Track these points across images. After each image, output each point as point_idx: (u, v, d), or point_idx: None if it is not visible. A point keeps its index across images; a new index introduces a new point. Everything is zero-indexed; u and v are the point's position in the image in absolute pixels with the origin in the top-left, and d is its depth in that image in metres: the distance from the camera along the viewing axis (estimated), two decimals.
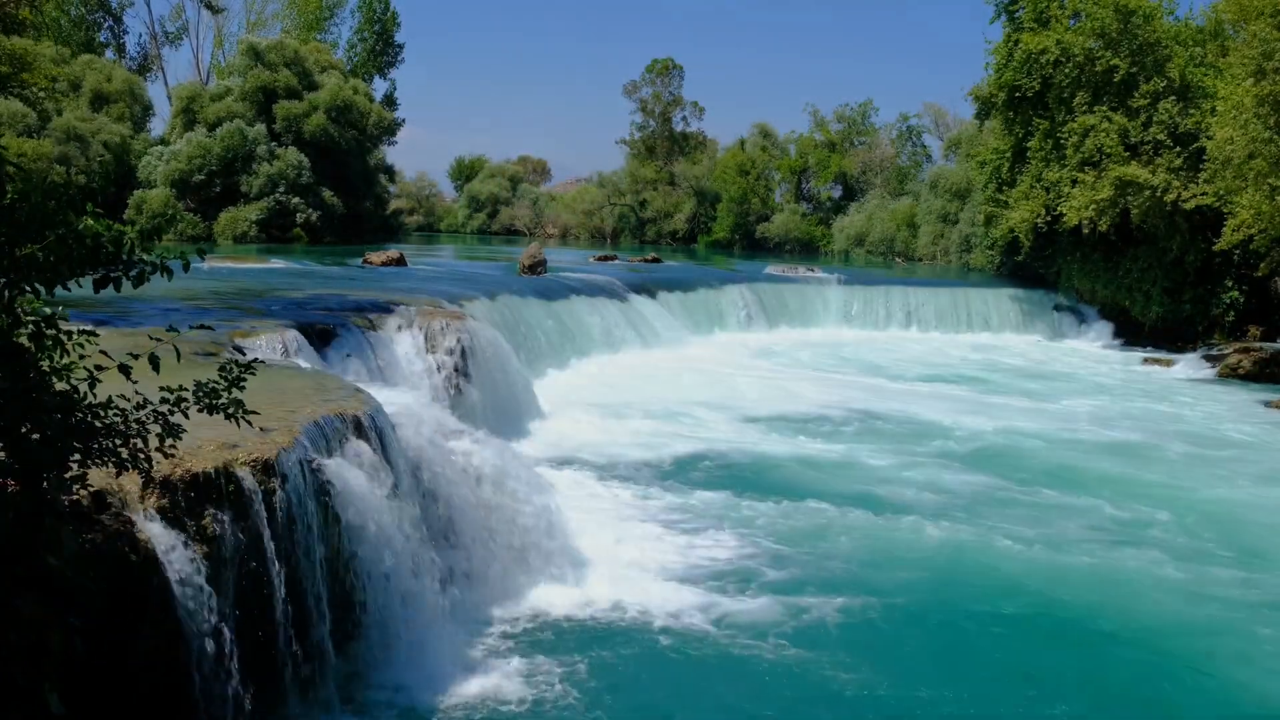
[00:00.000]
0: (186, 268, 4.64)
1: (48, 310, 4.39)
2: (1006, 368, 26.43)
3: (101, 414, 4.67)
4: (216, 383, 5.18)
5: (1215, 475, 15.27)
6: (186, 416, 5.08)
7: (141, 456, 4.85)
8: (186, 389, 5.10)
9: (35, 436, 4.34)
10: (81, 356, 4.59)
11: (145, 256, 4.56)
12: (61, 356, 4.52)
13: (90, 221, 4.34)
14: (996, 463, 15.36)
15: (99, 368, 4.62)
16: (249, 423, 5.29)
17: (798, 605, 9.39)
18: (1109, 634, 9.24)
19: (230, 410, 5.16)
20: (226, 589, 6.16)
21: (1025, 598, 9.99)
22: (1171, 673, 8.57)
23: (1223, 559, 11.27)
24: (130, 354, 4.68)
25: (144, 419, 4.91)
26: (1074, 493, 13.70)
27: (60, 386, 4.52)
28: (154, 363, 4.70)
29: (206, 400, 5.11)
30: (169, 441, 5.02)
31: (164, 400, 4.99)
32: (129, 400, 4.91)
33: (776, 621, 9.01)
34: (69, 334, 4.50)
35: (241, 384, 5.24)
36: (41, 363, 4.45)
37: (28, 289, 4.35)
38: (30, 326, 4.38)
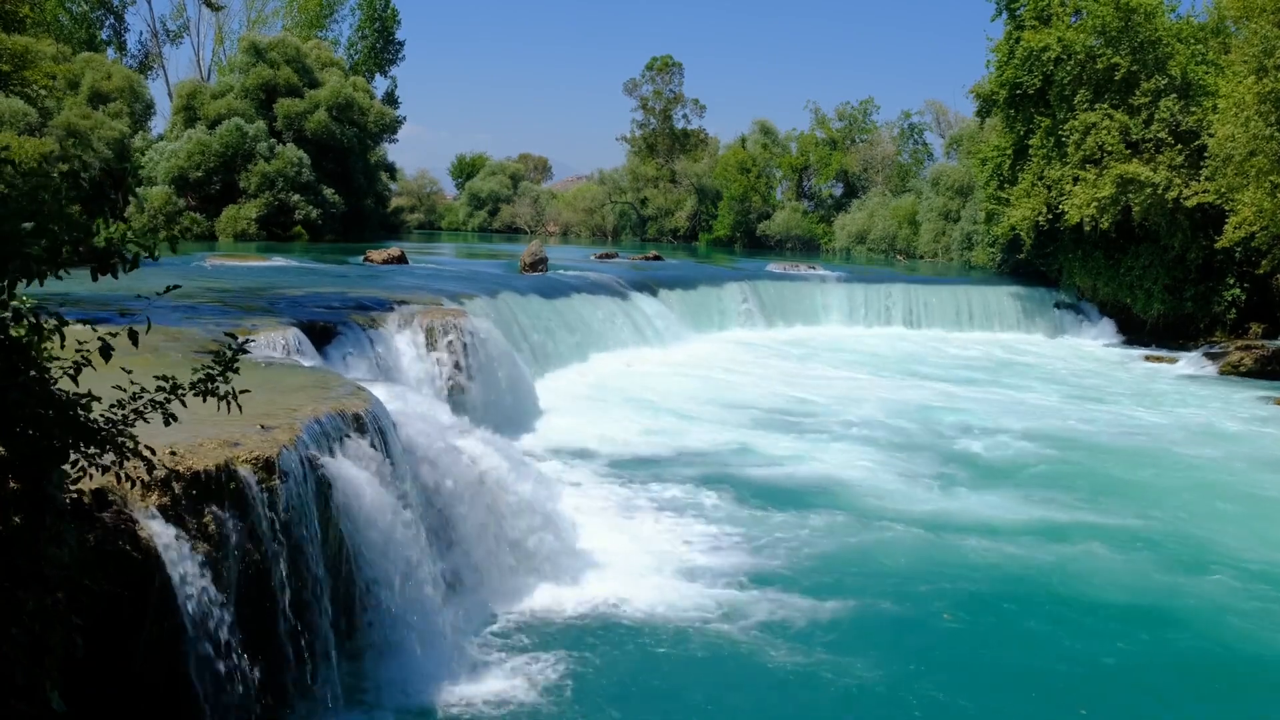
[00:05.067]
0: (174, 246, 4.63)
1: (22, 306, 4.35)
2: (1005, 365, 26.41)
3: (101, 409, 4.65)
4: (210, 368, 5.10)
5: (1222, 474, 15.29)
6: (184, 404, 5.02)
7: (144, 448, 4.81)
8: (180, 378, 5.01)
9: (35, 433, 4.33)
10: (81, 344, 4.57)
11: (138, 240, 4.56)
12: (56, 349, 4.49)
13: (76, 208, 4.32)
14: (992, 461, 15.37)
15: (82, 355, 4.58)
16: (238, 406, 5.18)
17: (800, 607, 9.37)
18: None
19: (222, 395, 5.07)
20: (228, 587, 6.15)
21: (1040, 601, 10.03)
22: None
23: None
24: (109, 331, 4.62)
25: (141, 409, 4.88)
26: (1076, 491, 13.71)
27: (58, 381, 4.49)
28: (133, 338, 4.63)
29: (202, 387, 5.04)
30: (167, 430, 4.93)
31: (159, 389, 4.95)
32: (125, 391, 4.88)
33: (779, 623, 8.99)
34: (57, 324, 4.48)
35: (235, 367, 5.15)
36: (37, 357, 4.42)
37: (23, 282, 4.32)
38: (28, 320, 4.35)
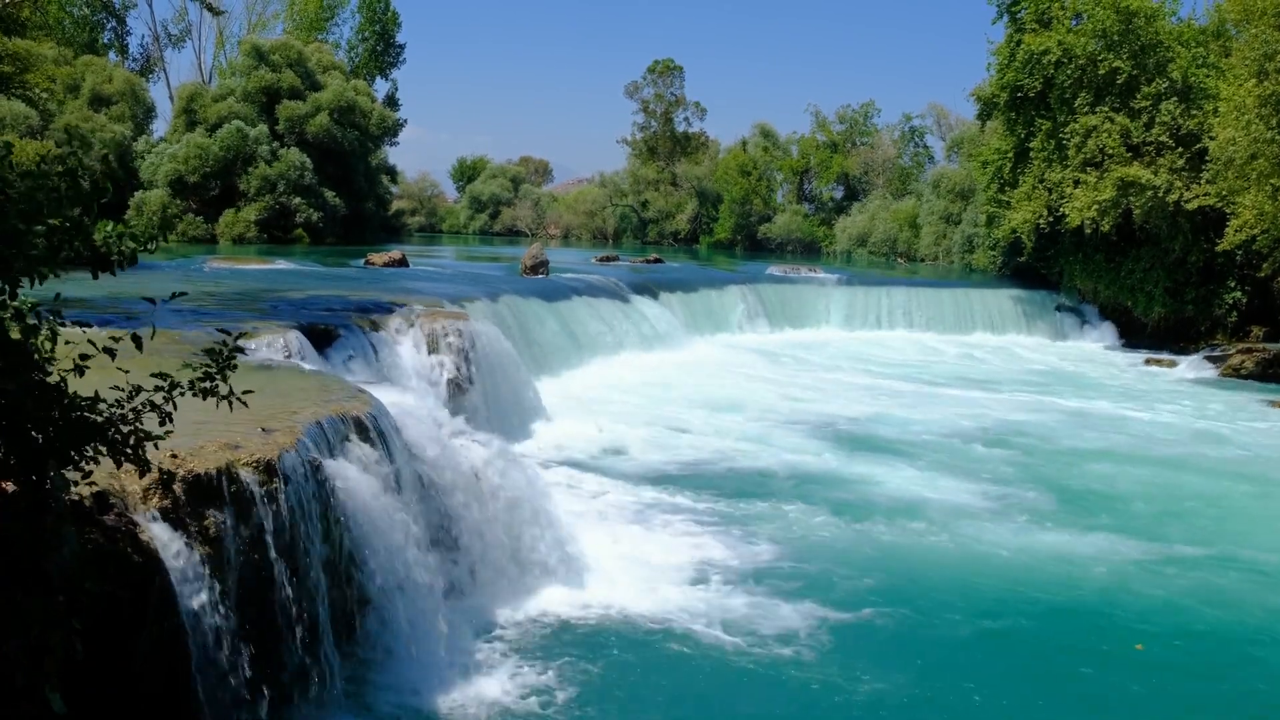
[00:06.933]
0: (152, 244, 4.68)
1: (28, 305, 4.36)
2: (1004, 369, 26.40)
3: (100, 409, 4.63)
4: (208, 366, 5.03)
5: (1223, 477, 15.26)
6: (176, 406, 4.98)
7: (142, 449, 4.78)
8: (179, 375, 4.98)
9: (35, 435, 4.33)
10: (88, 344, 4.58)
11: (133, 236, 4.59)
12: (52, 349, 4.50)
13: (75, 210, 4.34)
14: (987, 468, 15.36)
15: (84, 356, 4.58)
16: (244, 404, 5.14)
17: (798, 610, 9.35)
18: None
19: (223, 395, 5.03)
20: (229, 590, 6.15)
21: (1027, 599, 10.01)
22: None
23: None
24: (112, 335, 4.63)
25: (140, 408, 4.85)
26: (1145, 510, 13.40)
27: (55, 380, 4.48)
28: (137, 342, 4.63)
29: (202, 385, 4.99)
30: (166, 428, 4.88)
31: (158, 388, 4.92)
32: (124, 390, 4.86)
33: (777, 627, 8.97)
34: (59, 322, 4.50)
35: (232, 365, 5.10)
36: (37, 357, 4.42)
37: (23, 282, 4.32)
38: (29, 320, 4.36)
